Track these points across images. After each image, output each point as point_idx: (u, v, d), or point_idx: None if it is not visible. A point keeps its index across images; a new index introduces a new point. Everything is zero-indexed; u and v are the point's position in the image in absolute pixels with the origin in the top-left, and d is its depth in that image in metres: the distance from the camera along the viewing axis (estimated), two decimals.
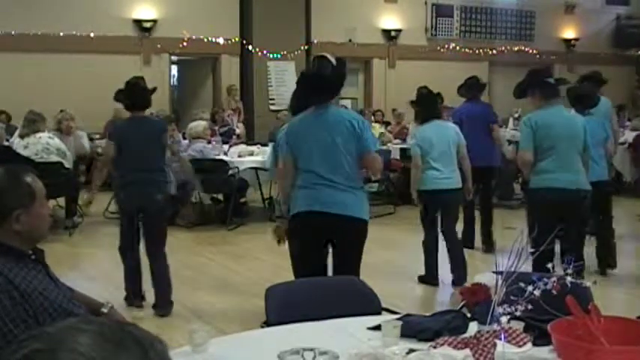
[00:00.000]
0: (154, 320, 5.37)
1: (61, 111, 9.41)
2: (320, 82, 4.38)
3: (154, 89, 5.87)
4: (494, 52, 17.26)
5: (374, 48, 16.14)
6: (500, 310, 2.18)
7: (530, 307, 2.18)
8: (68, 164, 8.46)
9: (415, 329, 2.55)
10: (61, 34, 13.06)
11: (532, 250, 2.24)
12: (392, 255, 7.48)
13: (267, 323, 2.86)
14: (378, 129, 11.75)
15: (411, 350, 2.35)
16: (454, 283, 6.26)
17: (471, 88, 7.70)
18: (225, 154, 9.42)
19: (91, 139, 10.55)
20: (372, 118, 12.73)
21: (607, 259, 6.71)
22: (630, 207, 9.31)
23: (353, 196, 4.37)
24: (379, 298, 3.06)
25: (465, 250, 6.66)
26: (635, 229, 8.69)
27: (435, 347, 2.25)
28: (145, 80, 5.91)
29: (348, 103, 15.35)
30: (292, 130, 4.50)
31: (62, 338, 0.89)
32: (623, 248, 7.64)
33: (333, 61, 4.44)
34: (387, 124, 13.09)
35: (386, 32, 16.22)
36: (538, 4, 17.53)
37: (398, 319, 2.64)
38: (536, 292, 2.18)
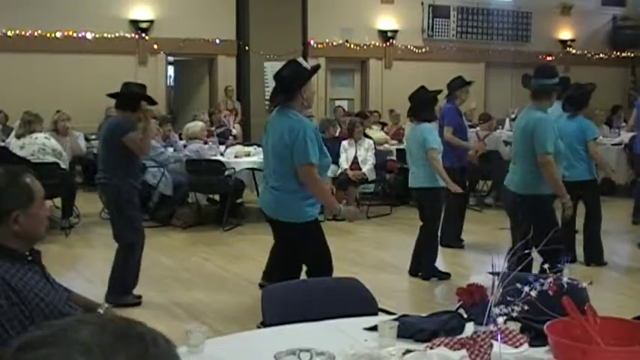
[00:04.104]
0: (150, 321, 5.36)
1: (58, 111, 9.39)
2: (276, 82, 4.60)
3: (131, 93, 5.82)
4: (491, 52, 17.27)
5: (370, 49, 16.15)
6: (496, 310, 2.18)
7: (526, 307, 2.18)
8: (64, 165, 8.45)
9: (412, 330, 2.56)
10: (58, 34, 13.04)
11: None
12: (388, 255, 7.48)
13: (264, 324, 2.86)
14: (376, 131, 11.74)
15: (408, 351, 2.35)
16: None
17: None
18: (222, 154, 9.41)
19: (87, 140, 10.54)
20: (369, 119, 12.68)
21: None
22: (624, 207, 9.32)
23: (279, 199, 4.56)
24: (375, 299, 3.06)
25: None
26: (628, 230, 8.70)
27: (431, 348, 2.25)
28: (136, 84, 5.98)
29: (344, 103, 15.38)
30: (264, 128, 4.80)
31: (64, 328, 0.90)
32: (617, 249, 7.66)
33: (305, 65, 4.60)
34: (383, 124, 13.08)
35: (382, 33, 16.22)
36: (534, 5, 17.55)
37: (394, 319, 2.64)
38: (533, 293, 2.18)
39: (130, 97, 5.70)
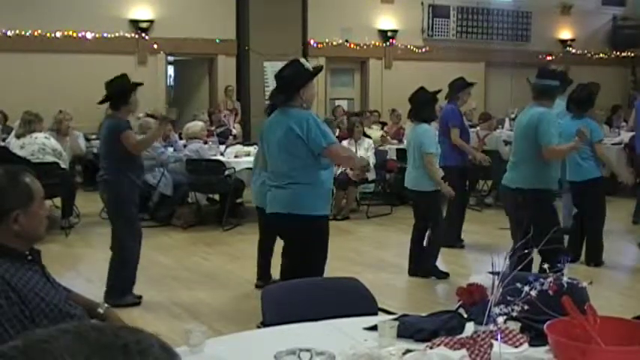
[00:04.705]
0: (150, 321, 5.36)
1: (60, 111, 9.39)
2: (277, 82, 4.54)
3: (115, 92, 5.72)
4: (491, 52, 17.26)
5: (370, 48, 16.14)
6: (496, 310, 2.18)
7: (526, 307, 2.18)
8: (64, 165, 8.45)
9: (412, 329, 2.56)
10: (58, 34, 13.03)
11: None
12: (388, 255, 7.48)
13: (264, 323, 2.86)
14: (376, 131, 11.74)
15: (408, 351, 2.35)
16: None
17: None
18: (222, 154, 9.41)
19: (87, 140, 10.55)
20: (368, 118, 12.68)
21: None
22: (625, 207, 9.32)
23: (295, 193, 4.44)
24: (375, 299, 3.06)
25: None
26: (629, 230, 8.71)
27: (431, 347, 2.25)
28: (127, 78, 5.77)
29: (344, 103, 15.38)
30: (261, 130, 4.75)
31: (40, 340, 0.85)
32: (617, 248, 7.66)
33: (307, 65, 4.54)
34: (383, 124, 13.08)
35: (382, 33, 16.22)
36: (534, 5, 17.55)
37: (394, 319, 2.64)
38: (533, 293, 2.18)
39: (116, 95, 5.67)
